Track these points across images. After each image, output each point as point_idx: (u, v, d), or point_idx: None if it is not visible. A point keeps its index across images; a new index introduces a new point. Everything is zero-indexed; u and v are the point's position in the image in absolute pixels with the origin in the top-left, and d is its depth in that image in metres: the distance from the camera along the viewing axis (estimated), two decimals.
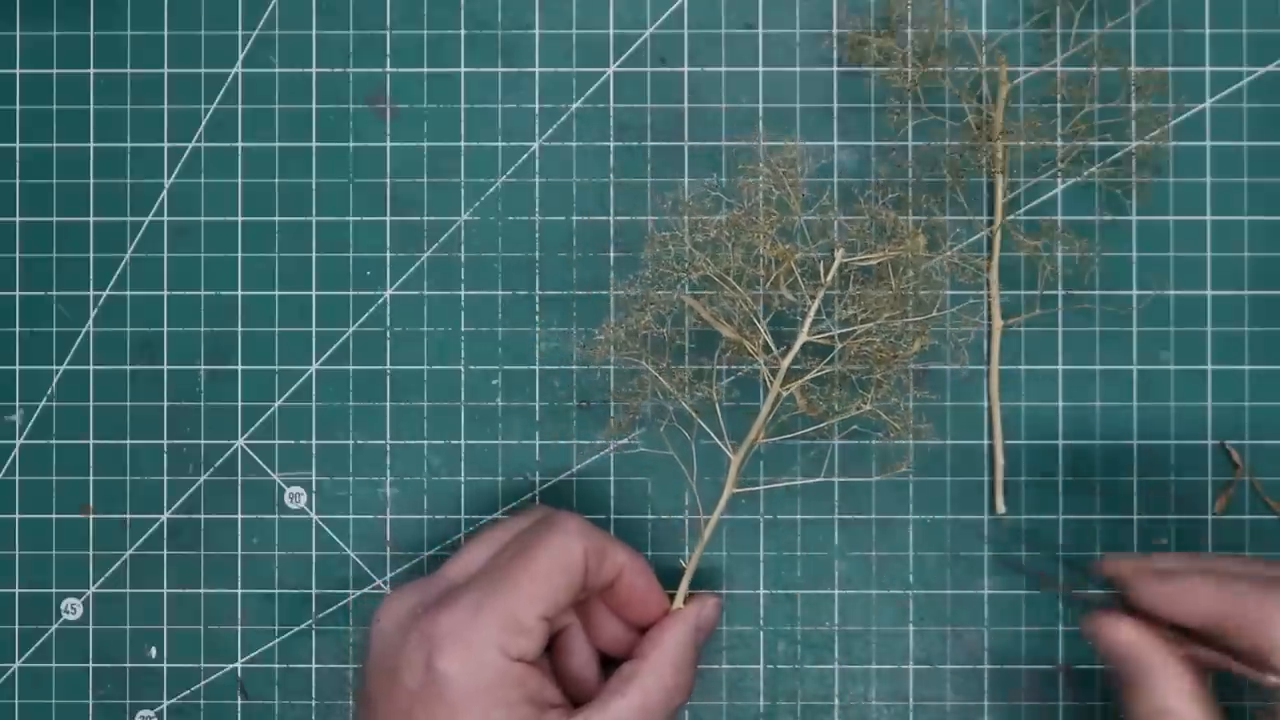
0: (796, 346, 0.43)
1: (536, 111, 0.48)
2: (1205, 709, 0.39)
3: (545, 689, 0.40)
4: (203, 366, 0.49)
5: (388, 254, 0.48)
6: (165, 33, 0.49)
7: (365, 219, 0.48)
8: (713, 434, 0.45)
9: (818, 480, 0.48)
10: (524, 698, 0.39)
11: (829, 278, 0.43)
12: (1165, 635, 0.40)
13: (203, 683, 0.49)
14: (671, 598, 0.44)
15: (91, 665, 0.49)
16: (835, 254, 0.43)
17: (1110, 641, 0.40)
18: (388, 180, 0.49)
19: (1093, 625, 0.40)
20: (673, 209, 0.48)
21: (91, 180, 0.49)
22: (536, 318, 0.48)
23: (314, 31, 0.49)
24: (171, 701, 0.49)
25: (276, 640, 0.49)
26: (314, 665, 0.48)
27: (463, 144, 0.48)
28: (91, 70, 0.49)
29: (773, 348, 0.44)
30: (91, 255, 0.49)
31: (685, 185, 0.48)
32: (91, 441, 0.49)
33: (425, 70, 0.49)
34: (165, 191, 0.49)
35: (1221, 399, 0.48)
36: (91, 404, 0.49)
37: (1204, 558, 0.42)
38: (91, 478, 0.49)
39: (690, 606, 0.43)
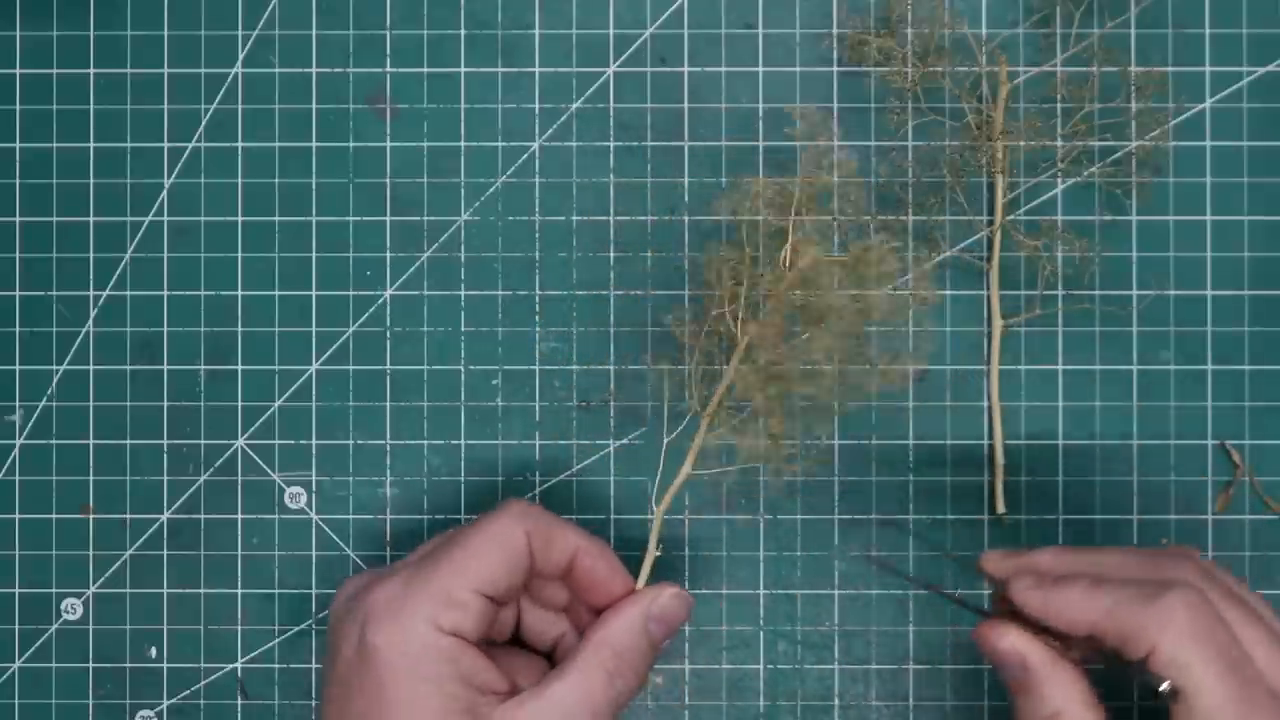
0: (749, 333, 0.43)
1: (536, 111, 0.48)
2: (1095, 712, 0.38)
3: (486, 673, 0.39)
4: (203, 366, 0.49)
5: (388, 254, 0.48)
6: (165, 33, 0.49)
7: (365, 219, 0.49)
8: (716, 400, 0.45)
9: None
10: (456, 675, 0.38)
11: (798, 266, 0.42)
12: (1050, 639, 0.39)
13: (203, 683, 0.49)
14: (638, 582, 0.43)
15: (91, 665, 0.49)
16: (792, 247, 0.42)
17: (995, 649, 0.39)
18: (388, 180, 0.49)
19: (978, 634, 0.40)
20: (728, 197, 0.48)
21: (91, 180, 0.49)
22: (536, 318, 0.48)
23: (314, 31, 0.49)
24: (171, 701, 0.49)
25: (276, 640, 0.49)
26: (314, 665, 0.48)
27: (463, 144, 0.48)
28: (91, 70, 0.49)
29: (734, 319, 0.43)
30: (91, 255, 0.49)
31: (685, 186, 0.48)
32: (91, 441, 0.49)
33: (425, 70, 0.49)
34: (165, 191, 0.49)
35: (1221, 399, 0.48)
36: (91, 404, 0.49)
37: (1086, 555, 0.40)
38: (91, 478, 0.49)
39: (645, 591, 0.42)
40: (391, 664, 0.38)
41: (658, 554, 0.43)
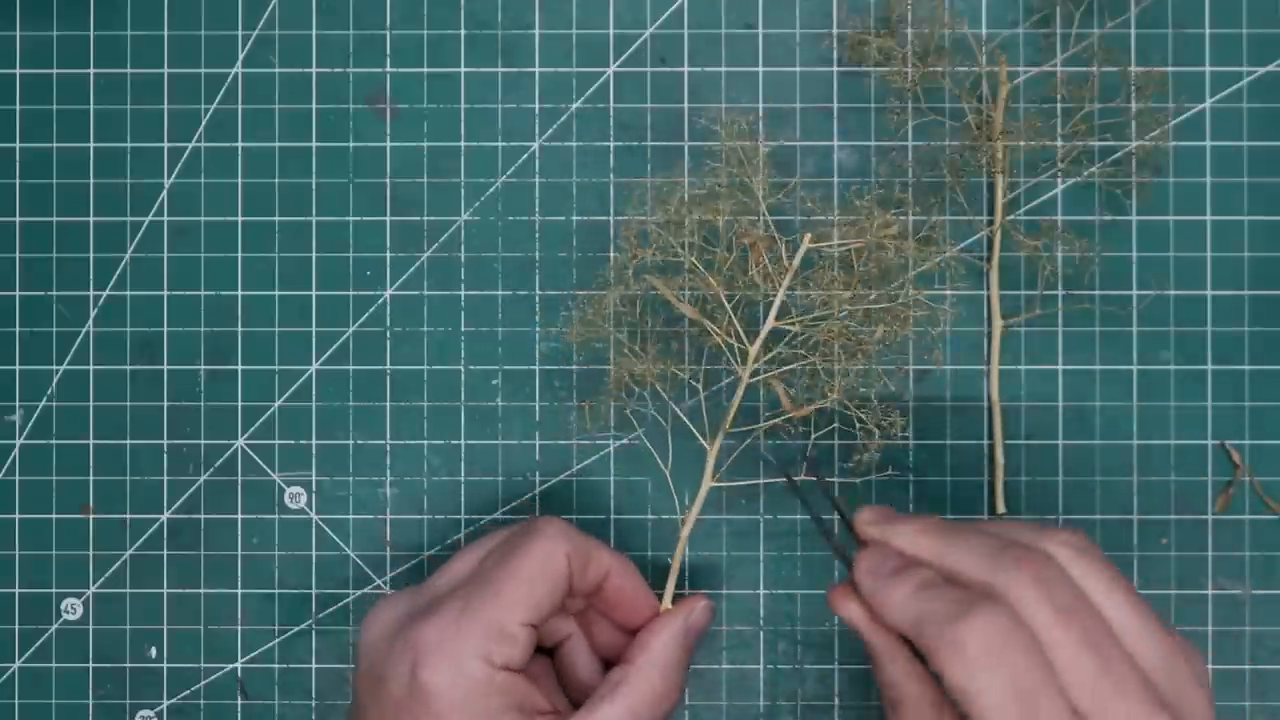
0: (764, 333, 0.43)
1: (536, 111, 0.48)
2: (926, 684, 0.37)
3: (532, 697, 0.40)
4: (203, 366, 0.49)
5: (388, 254, 0.48)
6: (165, 33, 0.49)
7: (365, 219, 0.49)
8: (692, 429, 0.45)
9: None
10: (508, 706, 0.39)
11: (794, 262, 0.43)
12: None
13: (203, 683, 0.49)
14: (663, 599, 0.44)
15: (91, 665, 0.49)
16: (803, 240, 0.43)
17: (839, 615, 0.38)
18: (388, 180, 0.49)
19: (829, 595, 0.39)
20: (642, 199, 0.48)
21: (91, 180, 0.49)
22: (536, 318, 0.48)
23: (314, 31, 0.49)
24: (171, 701, 0.49)
25: (276, 640, 0.49)
26: (314, 665, 0.48)
27: (463, 144, 0.48)
28: (91, 70, 0.49)
29: (741, 334, 0.44)
30: (91, 255, 0.49)
31: (685, 185, 0.48)
32: (91, 441, 0.49)
33: (425, 70, 0.49)
34: (165, 191, 0.49)
35: (1221, 399, 0.48)
36: (91, 404, 0.49)
37: (941, 540, 0.37)
38: (91, 478, 0.49)
39: (679, 609, 0.43)
40: (448, 702, 0.38)
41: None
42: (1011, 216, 0.48)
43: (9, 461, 0.49)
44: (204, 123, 0.49)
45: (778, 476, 0.46)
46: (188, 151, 0.49)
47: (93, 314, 0.49)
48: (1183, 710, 0.35)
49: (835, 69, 0.48)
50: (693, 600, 0.43)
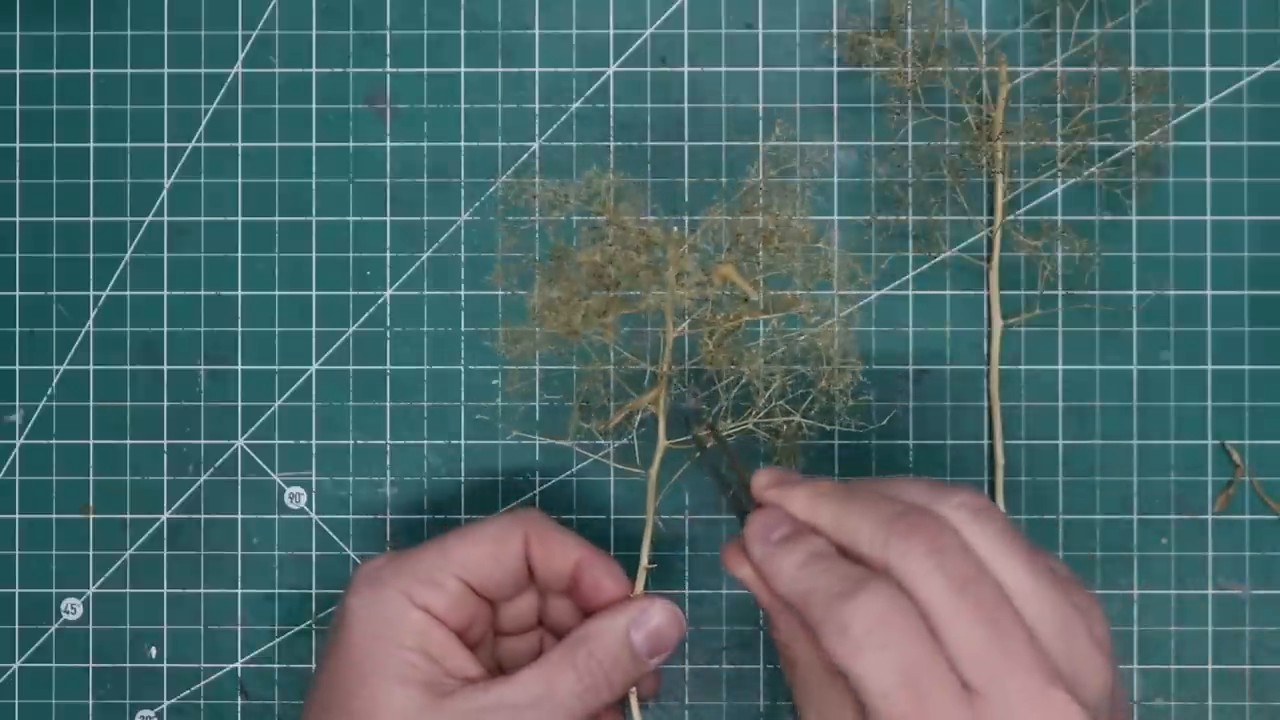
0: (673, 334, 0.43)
1: (536, 111, 0.48)
2: (818, 649, 0.35)
3: (456, 657, 0.39)
4: (203, 366, 0.49)
5: (388, 254, 0.48)
6: (165, 33, 0.49)
7: (365, 219, 0.49)
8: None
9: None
10: (419, 647, 0.39)
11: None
12: None
13: (203, 683, 0.49)
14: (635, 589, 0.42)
15: (91, 665, 0.49)
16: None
17: (732, 574, 0.38)
18: (388, 180, 0.49)
19: (722, 553, 0.38)
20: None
21: (91, 180, 0.49)
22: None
23: (314, 31, 0.49)
24: (171, 701, 0.49)
25: (276, 640, 0.49)
26: (314, 665, 0.48)
27: (463, 144, 0.48)
28: (91, 70, 0.49)
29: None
30: (91, 255, 0.49)
31: (686, 185, 0.48)
32: (91, 441, 0.49)
33: (425, 70, 0.49)
34: (165, 191, 0.49)
35: (1221, 399, 0.48)
36: (91, 404, 0.49)
37: (833, 504, 0.36)
38: (91, 478, 0.49)
39: (635, 601, 0.41)
40: (359, 627, 0.39)
41: (652, 566, 0.42)
42: (1011, 216, 0.48)
43: (9, 461, 0.49)
44: (204, 123, 0.49)
45: (685, 432, 0.44)
46: (188, 151, 0.49)
47: (93, 314, 0.49)
48: (1078, 676, 0.34)
49: (835, 69, 0.48)
50: (653, 598, 0.41)
